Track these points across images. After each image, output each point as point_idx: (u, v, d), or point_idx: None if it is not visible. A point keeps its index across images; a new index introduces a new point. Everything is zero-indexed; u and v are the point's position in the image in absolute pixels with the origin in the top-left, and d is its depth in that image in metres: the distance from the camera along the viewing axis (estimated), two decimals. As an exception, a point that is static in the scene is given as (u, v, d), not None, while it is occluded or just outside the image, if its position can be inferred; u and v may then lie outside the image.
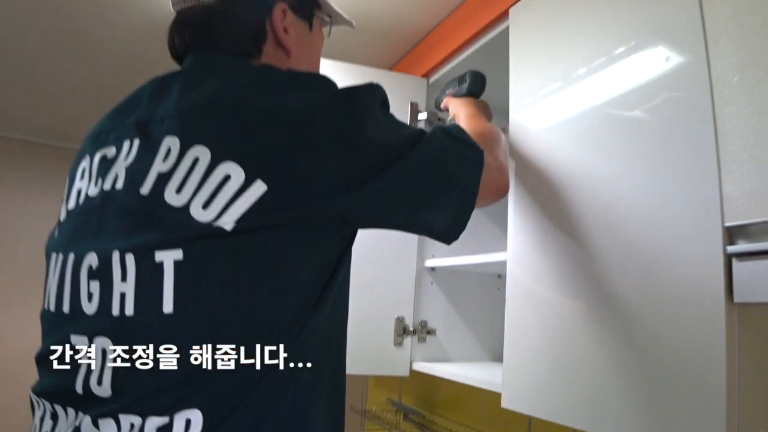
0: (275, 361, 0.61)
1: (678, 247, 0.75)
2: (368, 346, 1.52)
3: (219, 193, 0.60)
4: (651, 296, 0.79)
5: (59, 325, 0.65)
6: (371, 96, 0.70)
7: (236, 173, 0.60)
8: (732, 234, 0.70)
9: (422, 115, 1.58)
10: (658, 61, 0.83)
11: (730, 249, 0.69)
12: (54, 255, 0.69)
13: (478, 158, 0.80)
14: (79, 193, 0.71)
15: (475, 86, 1.19)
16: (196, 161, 0.61)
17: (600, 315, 0.86)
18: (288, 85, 0.67)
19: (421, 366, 1.53)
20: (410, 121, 1.58)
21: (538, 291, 1.01)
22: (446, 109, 1.24)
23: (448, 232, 0.78)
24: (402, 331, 1.56)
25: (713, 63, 0.74)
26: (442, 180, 0.74)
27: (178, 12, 0.78)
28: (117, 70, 2.09)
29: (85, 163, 0.73)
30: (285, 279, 0.63)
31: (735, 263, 0.69)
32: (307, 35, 0.85)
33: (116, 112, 0.77)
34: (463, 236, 1.70)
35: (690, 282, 0.73)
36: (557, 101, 1.03)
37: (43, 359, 0.66)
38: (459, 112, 1.14)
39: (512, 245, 1.10)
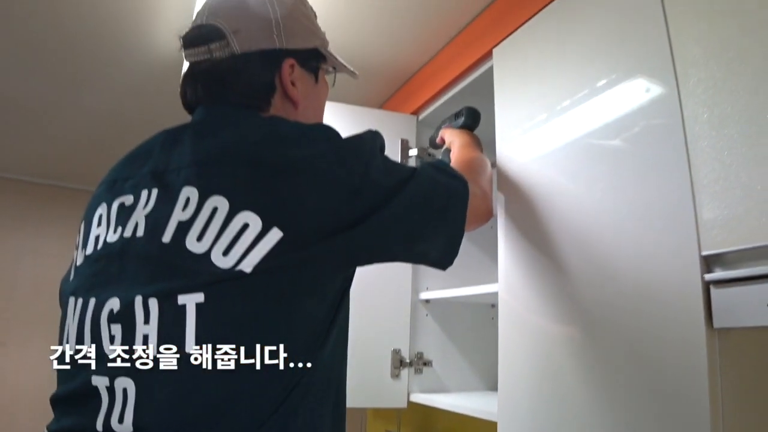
0: (289, 393, 0.65)
1: (659, 276, 0.79)
2: (366, 379, 1.53)
3: (238, 240, 0.64)
4: (635, 323, 0.82)
5: (79, 367, 0.67)
6: (373, 143, 0.76)
7: (254, 222, 0.64)
8: (709, 262, 0.74)
9: (413, 152, 1.63)
10: (633, 96, 0.88)
11: (708, 277, 0.73)
12: (73, 299, 0.72)
13: (463, 189, 0.86)
14: (97, 239, 0.74)
15: (470, 120, 1.27)
16: (215, 210, 0.65)
17: (588, 343, 0.89)
18: (298, 137, 0.72)
19: (418, 397, 1.55)
20: (401, 157, 1.63)
21: (529, 320, 1.04)
22: (441, 143, 1.29)
23: (443, 259, 0.84)
24: (399, 363, 1.58)
25: (684, 100, 0.79)
26: (434, 212, 0.80)
27: (191, 64, 0.82)
28: (116, 114, 2.15)
29: (102, 210, 0.76)
30: (298, 315, 0.67)
31: (713, 290, 0.72)
32: (313, 87, 0.89)
33: (129, 161, 0.80)
34: (456, 268, 1.73)
35: (671, 309, 0.76)
36: (540, 135, 1.08)
37: (61, 400, 0.69)
38: (454, 140, 1.20)
39: (503, 276, 1.13)
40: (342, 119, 1.62)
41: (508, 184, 1.14)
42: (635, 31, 0.89)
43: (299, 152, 0.69)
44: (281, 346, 0.65)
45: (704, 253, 0.73)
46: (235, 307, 0.64)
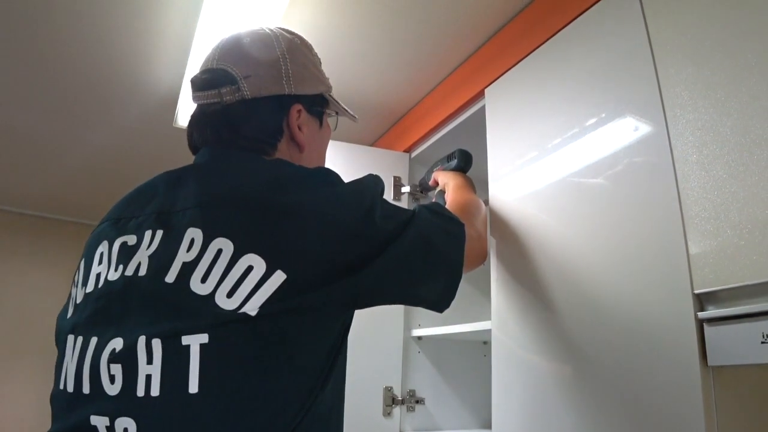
0: None
1: (651, 314, 0.80)
2: (358, 417, 1.51)
3: (243, 282, 0.64)
4: (628, 362, 0.82)
5: (77, 406, 0.66)
6: (375, 188, 0.77)
7: (258, 264, 0.64)
8: (702, 300, 0.75)
9: (405, 189, 1.65)
10: (623, 137, 0.90)
11: (701, 315, 0.73)
12: (72, 337, 0.71)
13: (460, 232, 0.87)
14: (98, 277, 0.74)
15: (462, 162, 1.28)
16: (219, 252, 0.66)
17: (581, 382, 0.89)
18: (302, 181, 0.73)
19: (410, 437, 1.53)
20: (393, 194, 1.64)
21: (522, 358, 1.04)
22: (435, 186, 1.31)
23: (441, 302, 0.84)
24: (391, 401, 1.56)
25: (674, 141, 0.81)
26: (432, 256, 0.80)
27: (199, 106, 0.83)
28: (113, 150, 2.16)
29: (103, 248, 0.76)
30: (301, 357, 0.67)
31: (707, 328, 0.73)
32: (318, 131, 0.91)
33: (132, 200, 0.80)
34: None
35: (665, 347, 0.77)
36: (532, 173, 1.10)
37: None
38: (449, 181, 1.22)
39: (496, 313, 1.13)
40: (335, 156, 1.63)
41: (500, 222, 1.16)
42: (625, 73, 0.92)
43: (303, 196, 0.70)
44: (284, 388, 0.65)
45: (697, 291, 0.74)
46: (239, 349, 0.63)
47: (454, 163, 1.28)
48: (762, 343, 0.67)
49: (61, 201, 2.93)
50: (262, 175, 0.74)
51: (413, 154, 1.72)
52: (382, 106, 1.74)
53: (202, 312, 0.64)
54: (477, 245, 0.96)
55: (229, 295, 0.64)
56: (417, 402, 1.61)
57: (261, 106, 0.81)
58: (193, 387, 0.61)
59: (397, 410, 1.56)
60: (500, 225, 1.16)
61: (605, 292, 0.88)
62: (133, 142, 2.07)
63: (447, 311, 1.63)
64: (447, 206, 1.05)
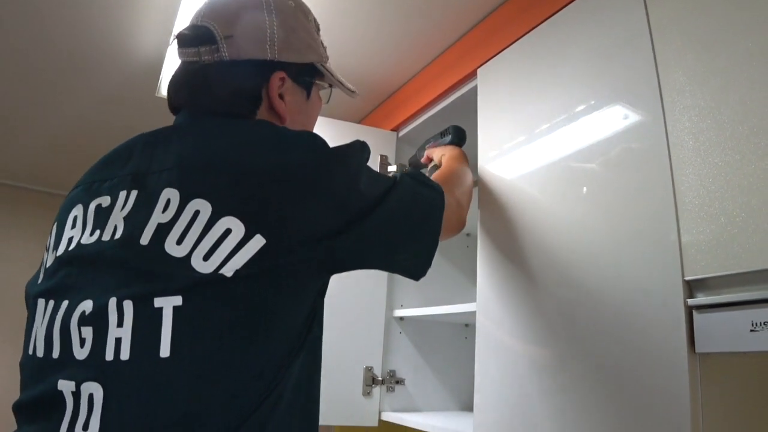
0: (261, 402, 0.63)
1: (641, 299, 0.79)
2: (337, 396, 1.51)
3: (220, 245, 0.62)
4: (616, 346, 0.82)
5: (46, 371, 0.64)
6: (360, 155, 0.75)
7: (237, 228, 0.63)
8: (692, 287, 0.75)
9: (392, 168, 1.63)
10: (619, 121, 0.89)
11: (691, 302, 0.73)
12: (42, 301, 0.69)
13: (440, 200, 0.87)
14: (70, 240, 0.71)
15: (456, 138, 1.27)
16: (196, 214, 0.64)
17: (567, 365, 0.89)
18: (284, 144, 0.70)
19: (390, 416, 1.53)
20: (379, 169, 1.62)
21: (507, 341, 1.03)
22: (427, 162, 1.29)
23: (418, 269, 0.84)
24: (371, 380, 1.56)
25: (670, 127, 0.80)
26: (413, 223, 0.80)
27: (182, 63, 0.80)
28: (91, 121, 2.10)
29: (77, 212, 0.73)
30: (277, 322, 0.65)
31: (696, 315, 0.73)
32: (303, 102, 0.87)
33: (107, 163, 0.78)
34: (430, 286, 1.72)
35: (653, 333, 0.77)
36: (523, 155, 1.08)
37: (23, 407, 0.65)
38: (445, 153, 1.21)
39: (481, 295, 1.13)
40: (321, 133, 1.60)
41: (489, 203, 1.15)
42: (623, 57, 0.91)
43: (286, 160, 0.68)
44: (258, 354, 0.64)
45: (687, 278, 0.74)
46: (213, 312, 0.61)
47: (448, 138, 1.27)
48: (751, 331, 0.67)
49: (36, 171, 2.86)
50: (244, 137, 0.71)
51: (401, 133, 1.70)
52: (371, 83, 1.71)
53: (177, 274, 0.62)
54: (454, 214, 0.95)
55: (206, 257, 0.62)
56: (397, 382, 1.61)
57: (240, 69, 0.78)
58: (165, 351, 0.59)
59: (376, 390, 1.56)
60: (489, 207, 1.15)
61: (594, 276, 0.88)
62: (113, 112, 2.02)
63: (430, 292, 1.62)
64: (434, 175, 1.04)
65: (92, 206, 0.72)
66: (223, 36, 0.76)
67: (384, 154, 1.67)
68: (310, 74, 0.87)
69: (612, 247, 0.86)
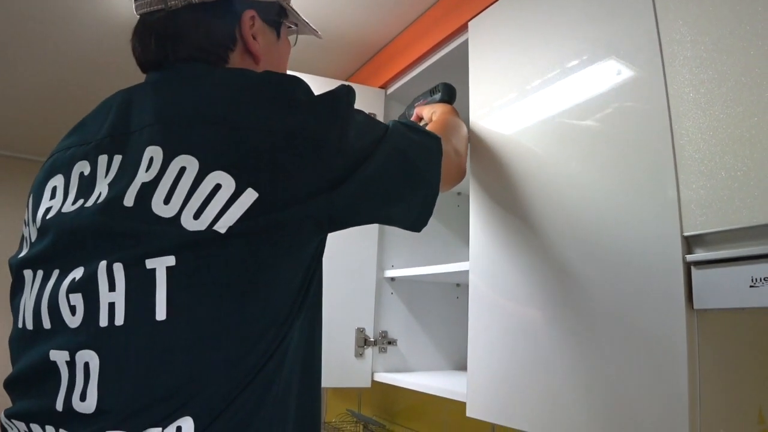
0: (264, 364, 0.62)
1: (638, 255, 0.78)
2: (329, 358, 1.49)
3: (210, 202, 0.60)
4: (612, 303, 0.81)
5: (37, 342, 0.62)
6: (348, 100, 0.72)
7: (227, 182, 0.60)
8: (690, 243, 0.73)
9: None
10: (616, 74, 0.86)
11: (689, 257, 0.72)
12: (29, 272, 0.66)
13: (437, 147, 0.84)
14: (48, 210, 0.68)
15: (446, 96, 1.22)
16: (182, 171, 0.61)
17: (561, 322, 0.88)
18: (269, 93, 0.68)
19: (382, 377, 1.53)
20: None
21: (500, 300, 1.02)
22: (417, 122, 1.26)
23: (418, 221, 0.83)
24: (363, 342, 1.56)
25: (669, 79, 0.78)
26: (408, 172, 0.78)
27: (141, 16, 0.76)
28: (73, 78, 2.02)
29: (56, 182, 0.70)
30: (275, 281, 0.63)
31: (694, 271, 0.72)
32: (275, 43, 0.85)
33: (83, 127, 0.74)
34: (421, 246, 1.71)
35: (651, 289, 0.76)
36: (516, 111, 1.05)
37: (16, 382, 0.63)
38: (435, 110, 1.17)
39: (474, 254, 1.11)
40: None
41: (481, 160, 1.12)
42: (620, 7, 0.87)
43: (272, 109, 0.66)
44: (258, 316, 0.62)
45: (686, 233, 0.73)
46: (209, 271, 0.59)
47: (438, 96, 1.22)
48: (751, 287, 0.65)
49: (8, 136, 2.78)
50: (226, 86, 0.69)
51: (389, 91, 1.66)
52: (359, 38, 1.66)
53: (167, 233, 0.59)
54: (454, 161, 0.93)
55: (196, 216, 0.60)
56: (389, 343, 1.61)
57: (210, 11, 0.74)
58: (161, 314, 0.57)
59: (369, 351, 1.56)
60: (481, 164, 1.12)
61: (591, 233, 0.86)
62: (90, 73, 1.95)
63: (421, 252, 1.60)
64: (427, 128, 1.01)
65: (74, 174, 0.69)
66: None
67: (372, 112, 1.63)
68: (277, 14, 0.85)
69: (609, 203, 0.84)
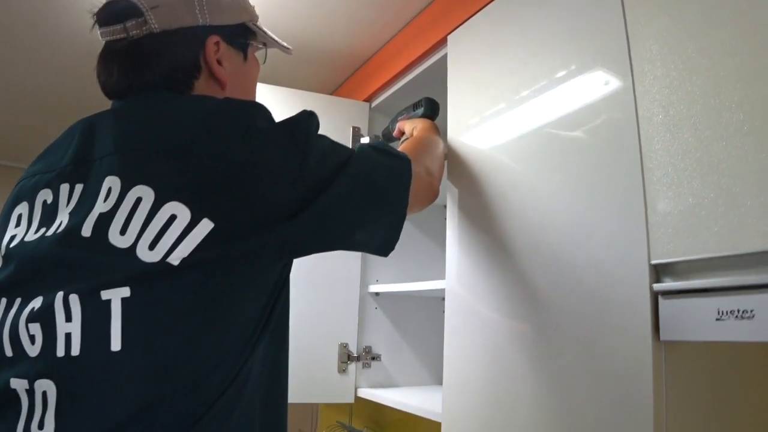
0: (223, 392, 0.61)
1: (607, 282, 0.75)
2: (312, 374, 1.49)
3: (165, 233, 0.60)
4: (579, 329, 0.78)
5: (0, 370, 0.62)
6: (308, 126, 0.71)
7: (182, 213, 0.60)
8: (659, 271, 0.70)
9: (364, 139, 1.57)
10: (588, 90, 0.84)
11: (656, 287, 0.69)
12: None
13: (406, 169, 0.82)
14: (12, 238, 0.68)
15: (429, 110, 1.21)
16: (138, 201, 0.61)
17: (535, 342, 0.86)
18: (228, 121, 0.66)
19: (366, 392, 1.51)
20: (352, 144, 1.56)
21: (476, 318, 1.00)
22: (399, 136, 1.24)
23: (385, 246, 0.80)
24: (346, 357, 1.53)
25: (639, 99, 0.75)
26: (374, 196, 0.76)
27: (106, 43, 0.74)
28: (49, 84, 2.00)
29: (21, 209, 0.71)
30: (234, 311, 0.63)
31: (661, 301, 0.69)
32: (242, 65, 0.83)
33: (48, 154, 0.74)
34: (407, 261, 1.69)
35: (617, 317, 0.73)
36: (492, 126, 1.03)
37: None
38: (416, 126, 1.15)
39: (451, 270, 1.10)
40: (292, 105, 1.55)
41: (459, 175, 1.10)
42: (593, 22, 0.85)
43: (231, 139, 0.65)
44: (215, 345, 0.61)
45: (654, 261, 0.70)
46: (163, 303, 0.59)
47: (420, 111, 1.21)
48: (717, 320, 0.63)
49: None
50: (184, 115, 0.68)
51: (374, 104, 1.64)
52: (342, 53, 1.64)
53: (122, 265, 0.59)
54: (425, 182, 0.90)
55: (151, 246, 0.59)
56: (373, 358, 1.59)
57: (172, 39, 0.73)
58: (116, 344, 0.57)
59: (352, 367, 1.54)
60: (459, 178, 1.10)
61: (563, 253, 0.83)
62: (73, 82, 1.92)
63: (407, 267, 1.58)
64: (401, 146, 0.98)
65: (38, 202, 0.69)
66: (149, 6, 0.71)
67: (356, 125, 1.61)
68: (243, 35, 0.83)
69: (580, 225, 0.81)
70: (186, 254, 0.59)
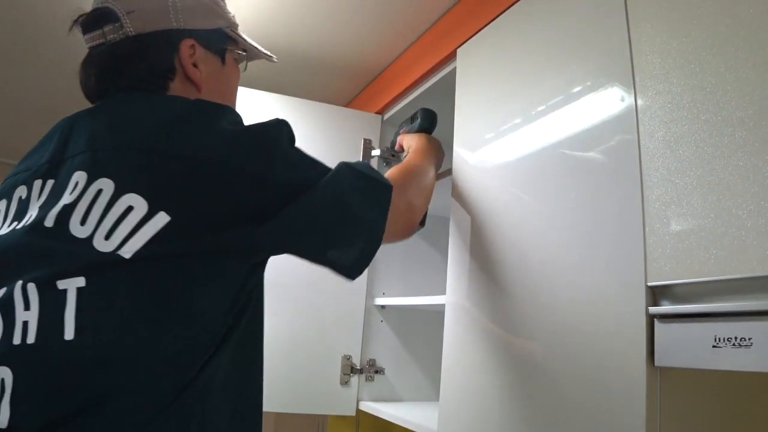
0: (180, 392, 0.61)
1: (603, 304, 0.73)
2: (314, 385, 1.47)
3: (121, 223, 0.61)
4: (578, 350, 0.76)
5: None
6: (277, 132, 0.70)
7: (139, 204, 0.61)
8: (656, 294, 0.68)
9: (375, 152, 1.56)
10: (592, 107, 0.82)
11: (653, 310, 0.67)
12: None
13: (385, 197, 0.79)
14: None
15: (425, 122, 1.18)
16: (99, 192, 0.62)
17: (527, 367, 0.83)
18: (195, 122, 0.68)
19: (367, 406, 1.49)
20: (363, 157, 1.56)
21: (472, 336, 0.98)
22: (401, 150, 1.23)
23: (352, 269, 0.77)
24: (349, 369, 1.52)
25: (641, 115, 0.73)
26: (347, 218, 0.74)
27: (89, 50, 0.77)
28: (53, 86, 2.01)
29: (1, 206, 0.73)
30: (188, 311, 0.63)
31: (657, 324, 0.66)
32: (219, 70, 0.84)
33: (31, 153, 0.77)
34: (415, 275, 1.67)
35: (612, 341, 0.70)
36: (497, 141, 1.01)
37: None
38: (411, 144, 1.14)
39: (451, 286, 1.08)
40: (305, 115, 1.56)
41: (461, 190, 1.08)
42: (597, 38, 0.83)
43: (196, 138, 0.66)
44: (168, 342, 0.61)
45: (650, 283, 0.67)
46: (116, 295, 0.60)
47: (417, 123, 1.19)
48: (713, 347, 0.60)
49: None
50: (152, 114, 0.69)
51: (386, 116, 1.63)
52: (357, 65, 1.64)
53: (79, 254, 0.60)
54: (403, 215, 0.87)
55: (107, 236, 0.60)
56: (376, 372, 1.56)
57: (147, 43, 0.75)
58: (69, 333, 0.58)
59: (354, 379, 1.52)
60: (461, 194, 1.08)
61: (560, 272, 0.81)
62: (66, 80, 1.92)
63: (414, 281, 1.56)
64: (389, 172, 0.96)
65: (14, 199, 0.71)
66: (125, 11, 0.74)
67: (368, 138, 1.60)
68: (221, 41, 0.84)
69: (578, 244, 0.79)
70: (139, 246, 0.60)
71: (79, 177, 0.64)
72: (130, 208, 0.61)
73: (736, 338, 0.59)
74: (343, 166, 0.76)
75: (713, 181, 0.63)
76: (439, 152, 1.15)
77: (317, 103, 1.60)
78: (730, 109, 0.63)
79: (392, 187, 0.80)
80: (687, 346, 0.63)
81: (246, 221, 0.64)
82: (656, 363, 0.65)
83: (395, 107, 1.58)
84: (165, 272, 0.61)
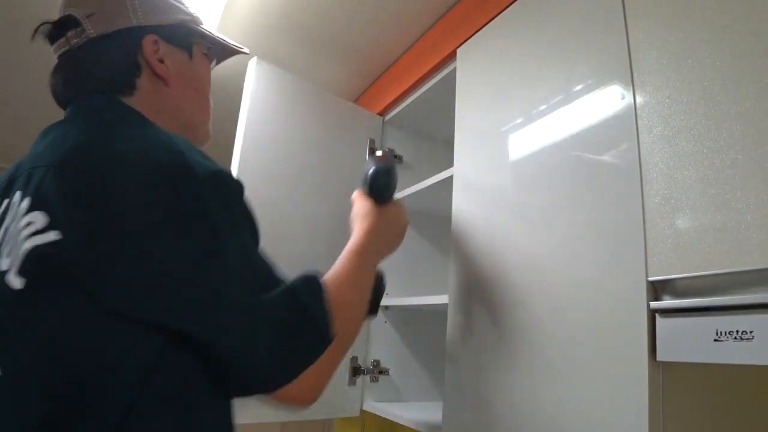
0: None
1: (603, 299, 0.73)
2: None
3: (18, 238, 0.58)
4: (581, 346, 0.76)
5: None
6: (215, 190, 0.62)
7: (39, 220, 0.57)
8: (657, 288, 0.68)
9: (377, 153, 1.56)
10: (589, 105, 0.82)
11: (654, 305, 0.67)
12: None
13: (305, 351, 0.64)
14: None
15: (374, 190, 0.93)
16: (16, 212, 0.61)
17: (532, 358, 0.83)
18: (130, 160, 0.60)
19: (370, 406, 1.49)
20: (368, 155, 1.56)
21: (473, 334, 0.98)
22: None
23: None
24: (353, 371, 1.52)
25: (639, 110, 0.73)
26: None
27: (57, 58, 0.76)
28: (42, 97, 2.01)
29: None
30: (79, 354, 0.56)
31: (658, 319, 0.66)
32: (187, 63, 0.82)
33: (21, 163, 0.74)
34: (419, 276, 1.66)
35: (614, 336, 0.70)
36: (496, 141, 1.02)
37: None
38: (355, 219, 0.95)
39: (453, 286, 1.08)
40: (313, 105, 1.51)
41: (462, 192, 1.08)
42: (596, 35, 0.83)
43: (118, 169, 0.59)
44: (76, 378, 0.55)
45: (651, 278, 0.67)
46: (22, 329, 0.56)
47: (366, 187, 0.94)
48: (715, 340, 0.60)
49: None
50: (90, 137, 0.64)
51: (388, 117, 1.63)
52: (365, 60, 1.63)
53: None
54: (307, 384, 0.64)
55: (8, 254, 0.59)
56: (381, 372, 1.56)
57: (109, 42, 0.74)
58: None
59: (359, 380, 1.52)
60: (462, 195, 1.08)
61: (561, 271, 0.81)
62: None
63: (417, 281, 1.54)
64: (334, 272, 0.79)
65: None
66: (85, 15, 0.73)
67: (371, 137, 1.60)
68: (186, 35, 0.83)
69: (578, 240, 0.79)
70: (23, 256, 0.56)
71: (17, 198, 0.63)
72: (29, 224, 0.59)
73: (737, 332, 0.58)
74: (289, 290, 0.65)
75: (712, 175, 0.63)
76: (398, 230, 0.97)
77: (330, 94, 1.57)
78: (728, 103, 0.63)
79: (324, 337, 0.66)
80: (688, 340, 0.63)
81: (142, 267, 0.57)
82: (658, 358, 0.65)
83: (397, 108, 1.58)
84: (52, 301, 0.56)
